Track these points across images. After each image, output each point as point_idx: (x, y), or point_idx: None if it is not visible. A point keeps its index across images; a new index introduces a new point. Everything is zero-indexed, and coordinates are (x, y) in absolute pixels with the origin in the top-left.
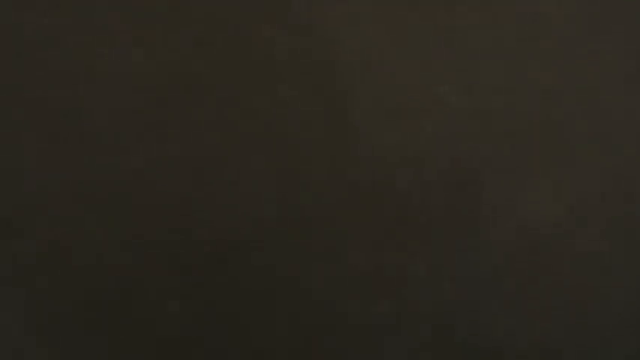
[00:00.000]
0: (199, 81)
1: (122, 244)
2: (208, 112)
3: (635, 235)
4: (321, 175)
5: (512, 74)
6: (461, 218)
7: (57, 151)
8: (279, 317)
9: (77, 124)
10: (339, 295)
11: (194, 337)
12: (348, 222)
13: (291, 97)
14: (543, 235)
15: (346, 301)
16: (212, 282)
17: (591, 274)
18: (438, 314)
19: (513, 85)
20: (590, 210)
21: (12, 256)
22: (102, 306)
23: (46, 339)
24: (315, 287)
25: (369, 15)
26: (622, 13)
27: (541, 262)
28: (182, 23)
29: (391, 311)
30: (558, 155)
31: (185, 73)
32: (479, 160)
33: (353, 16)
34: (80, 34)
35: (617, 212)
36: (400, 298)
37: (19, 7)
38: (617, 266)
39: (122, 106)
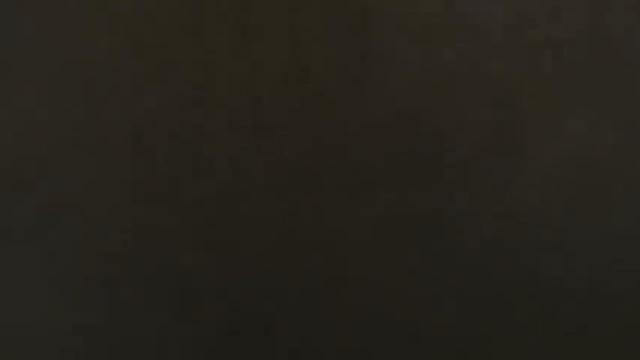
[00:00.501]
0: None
1: (134, 195)
2: (218, 34)
3: None
4: (340, 103)
5: None
6: (500, 150)
7: (65, 101)
8: (300, 265)
9: (82, 76)
10: (364, 240)
11: (206, 288)
12: (372, 158)
13: (309, 16)
14: (595, 160)
15: (372, 247)
16: (225, 224)
17: None
18: (475, 256)
19: (556, 4)
20: None
21: (24, 210)
22: (116, 258)
23: (63, 291)
24: (338, 230)
25: None
26: None
27: (594, 188)
28: None
29: (422, 258)
30: (605, 78)
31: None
32: (517, 82)
33: None
34: None
35: None
36: (434, 242)
37: None
38: None
39: (124, 55)
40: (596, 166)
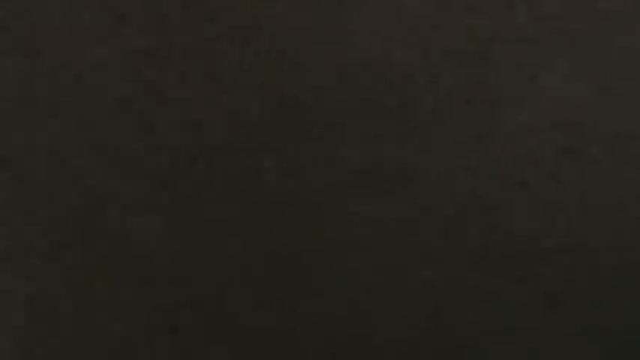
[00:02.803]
0: None
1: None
2: None
3: None
4: (304, 53)
5: None
6: (474, 101)
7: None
8: (267, 220)
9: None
10: (331, 197)
11: (159, 253)
12: (338, 110)
13: None
14: (569, 117)
15: (341, 202)
16: (201, 185)
17: (627, 157)
18: (448, 214)
19: None
20: (618, 90)
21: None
22: (63, 222)
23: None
24: (304, 187)
25: None
26: None
27: (569, 146)
28: None
29: (395, 213)
30: (578, 30)
31: None
32: (491, 32)
33: None
34: None
35: None
36: (404, 196)
37: None
38: None
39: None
40: (572, 121)
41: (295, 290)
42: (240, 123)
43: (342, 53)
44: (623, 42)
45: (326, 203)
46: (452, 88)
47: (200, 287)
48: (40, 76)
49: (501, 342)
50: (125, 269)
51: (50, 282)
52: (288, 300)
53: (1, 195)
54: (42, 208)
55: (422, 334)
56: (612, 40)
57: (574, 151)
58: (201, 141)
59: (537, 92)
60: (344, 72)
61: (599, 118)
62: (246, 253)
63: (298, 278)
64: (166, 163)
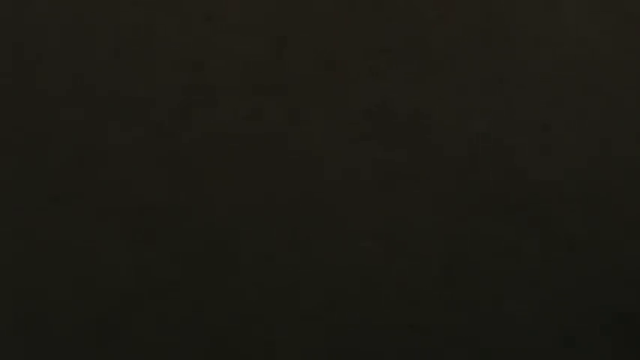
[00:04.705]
0: None
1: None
2: None
3: None
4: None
5: None
6: (485, 42)
7: None
8: (268, 163)
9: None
10: (339, 139)
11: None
12: (348, 50)
13: None
14: (581, 58)
15: (348, 148)
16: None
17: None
18: (462, 157)
19: None
20: (634, 31)
21: None
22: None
23: None
24: (308, 128)
25: None
26: None
27: (589, 86)
28: None
29: (404, 157)
30: None
31: None
32: None
33: None
34: None
35: None
36: (414, 140)
37: None
38: None
39: None
40: (593, 61)
41: (297, 237)
42: (242, 64)
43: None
44: None
45: (329, 146)
46: (462, 29)
47: (202, 236)
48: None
49: (519, 290)
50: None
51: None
52: (292, 246)
53: None
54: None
55: (435, 285)
56: None
57: (596, 91)
58: (201, 82)
59: (558, 27)
60: (352, 8)
61: (621, 56)
62: (248, 201)
63: (300, 224)
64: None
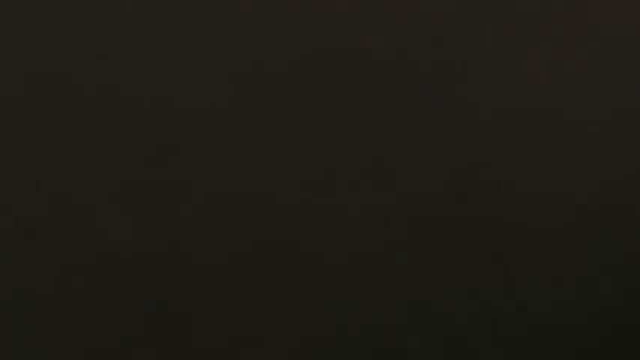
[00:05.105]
0: None
1: None
2: None
3: None
4: (276, 36)
5: None
6: (448, 82)
7: None
8: (237, 217)
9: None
10: (310, 181)
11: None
12: (312, 93)
13: None
14: (550, 101)
15: (313, 195)
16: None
17: (608, 142)
18: (428, 201)
19: None
20: (603, 71)
21: None
22: None
23: None
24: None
25: None
26: None
27: (547, 132)
28: None
29: (370, 200)
30: (562, 7)
31: None
32: (466, 11)
33: None
34: None
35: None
36: (380, 185)
37: None
38: (635, 134)
39: None
40: (551, 108)
41: (273, 291)
42: (203, 121)
43: (306, 38)
44: (603, 22)
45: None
46: (425, 69)
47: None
48: None
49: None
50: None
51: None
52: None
53: None
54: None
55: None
56: (590, 20)
57: (556, 135)
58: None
59: (516, 74)
60: (309, 58)
61: (583, 104)
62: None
63: (275, 272)
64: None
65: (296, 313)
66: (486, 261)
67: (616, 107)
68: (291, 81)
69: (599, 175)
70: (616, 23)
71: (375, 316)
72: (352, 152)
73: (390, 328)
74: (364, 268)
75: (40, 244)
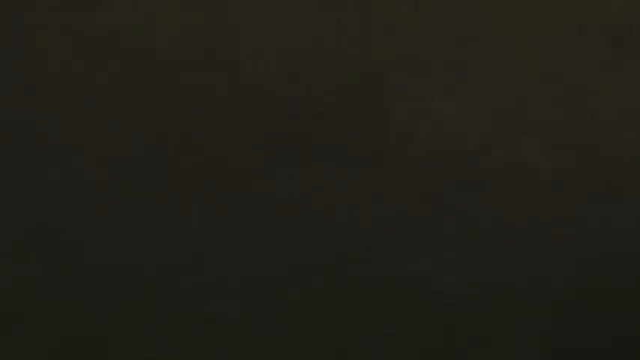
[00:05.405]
0: None
1: None
2: None
3: (570, 147)
4: (180, 82)
5: None
6: (363, 131)
7: None
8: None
9: None
10: (216, 231)
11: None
12: (217, 145)
13: None
14: (466, 148)
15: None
16: None
17: (523, 188)
18: (340, 256)
19: None
20: (518, 118)
21: None
22: None
23: None
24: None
25: None
26: None
27: (465, 178)
28: None
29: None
30: (479, 57)
31: None
32: (383, 58)
33: None
34: None
35: (547, 117)
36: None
37: None
38: (553, 181)
39: None
40: (465, 152)
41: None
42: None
43: (223, 84)
44: (515, 71)
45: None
46: (339, 118)
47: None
48: None
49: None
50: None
51: None
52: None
53: None
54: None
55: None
56: (505, 70)
57: (471, 181)
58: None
59: (432, 121)
60: (224, 107)
61: (500, 150)
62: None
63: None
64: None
65: None
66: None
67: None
68: (203, 127)
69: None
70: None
71: None
72: (274, 198)
73: None
74: None
75: None
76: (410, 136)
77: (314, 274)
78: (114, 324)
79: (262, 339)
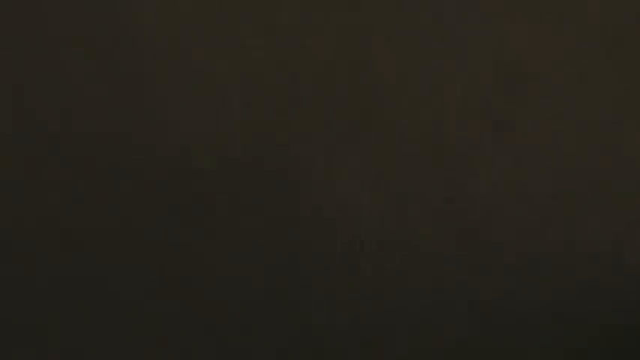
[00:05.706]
0: None
1: None
2: None
3: (462, 227)
4: (110, 161)
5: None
6: (269, 212)
7: None
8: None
9: None
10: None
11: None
12: (135, 220)
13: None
14: (367, 227)
15: None
16: None
17: (423, 270)
18: (249, 315)
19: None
20: (416, 198)
21: None
22: None
23: None
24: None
25: None
26: None
27: (368, 258)
28: None
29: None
30: (378, 138)
31: None
32: (288, 141)
33: None
34: None
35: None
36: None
37: None
38: (452, 263)
39: None
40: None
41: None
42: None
43: (146, 156)
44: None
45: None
46: (245, 198)
47: None
48: None
49: None
50: None
51: None
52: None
53: None
54: None
55: None
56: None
57: (374, 261)
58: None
59: (336, 202)
60: (145, 183)
61: (398, 229)
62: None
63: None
64: None
65: None
66: None
67: None
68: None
69: None
70: None
71: None
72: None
73: None
74: None
75: None
76: (311, 222)
77: None
78: None
79: None
